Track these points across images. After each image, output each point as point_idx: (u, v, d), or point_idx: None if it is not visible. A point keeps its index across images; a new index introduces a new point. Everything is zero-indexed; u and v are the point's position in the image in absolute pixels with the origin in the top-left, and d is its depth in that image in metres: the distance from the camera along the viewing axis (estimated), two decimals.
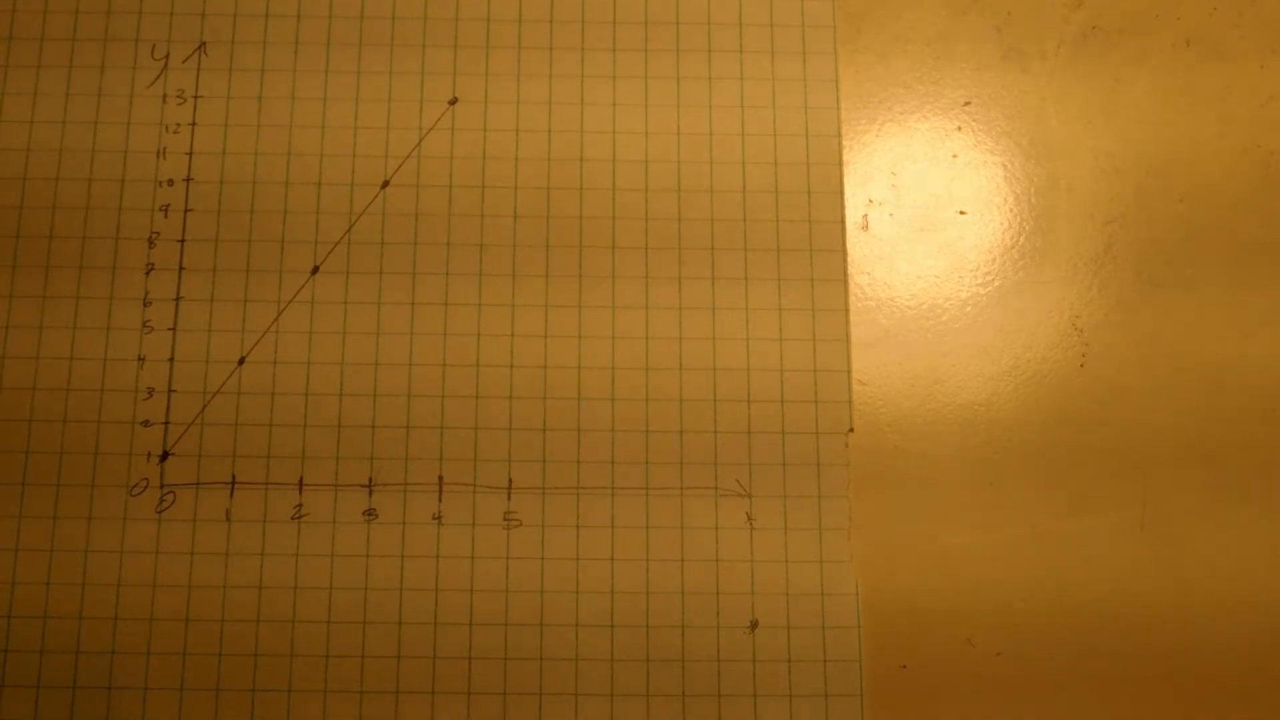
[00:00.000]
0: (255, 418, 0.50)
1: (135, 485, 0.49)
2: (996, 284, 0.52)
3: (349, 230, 0.52)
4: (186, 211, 0.52)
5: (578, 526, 0.49)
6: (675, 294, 0.51)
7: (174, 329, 0.51)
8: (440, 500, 0.49)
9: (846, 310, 0.51)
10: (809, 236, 0.52)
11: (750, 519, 0.49)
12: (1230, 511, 0.50)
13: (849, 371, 0.51)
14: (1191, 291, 0.52)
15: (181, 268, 0.51)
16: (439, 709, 0.47)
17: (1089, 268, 0.52)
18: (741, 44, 0.54)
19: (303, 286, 0.51)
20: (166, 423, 0.50)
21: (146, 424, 0.50)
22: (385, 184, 0.52)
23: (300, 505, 0.49)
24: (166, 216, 0.52)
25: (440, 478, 0.49)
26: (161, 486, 0.49)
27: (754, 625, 0.48)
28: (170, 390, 0.50)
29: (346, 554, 0.49)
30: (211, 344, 0.50)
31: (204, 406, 0.50)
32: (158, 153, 0.52)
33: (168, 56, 0.54)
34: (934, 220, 0.53)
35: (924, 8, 0.55)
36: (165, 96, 0.53)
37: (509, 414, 0.50)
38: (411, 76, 0.54)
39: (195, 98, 0.53)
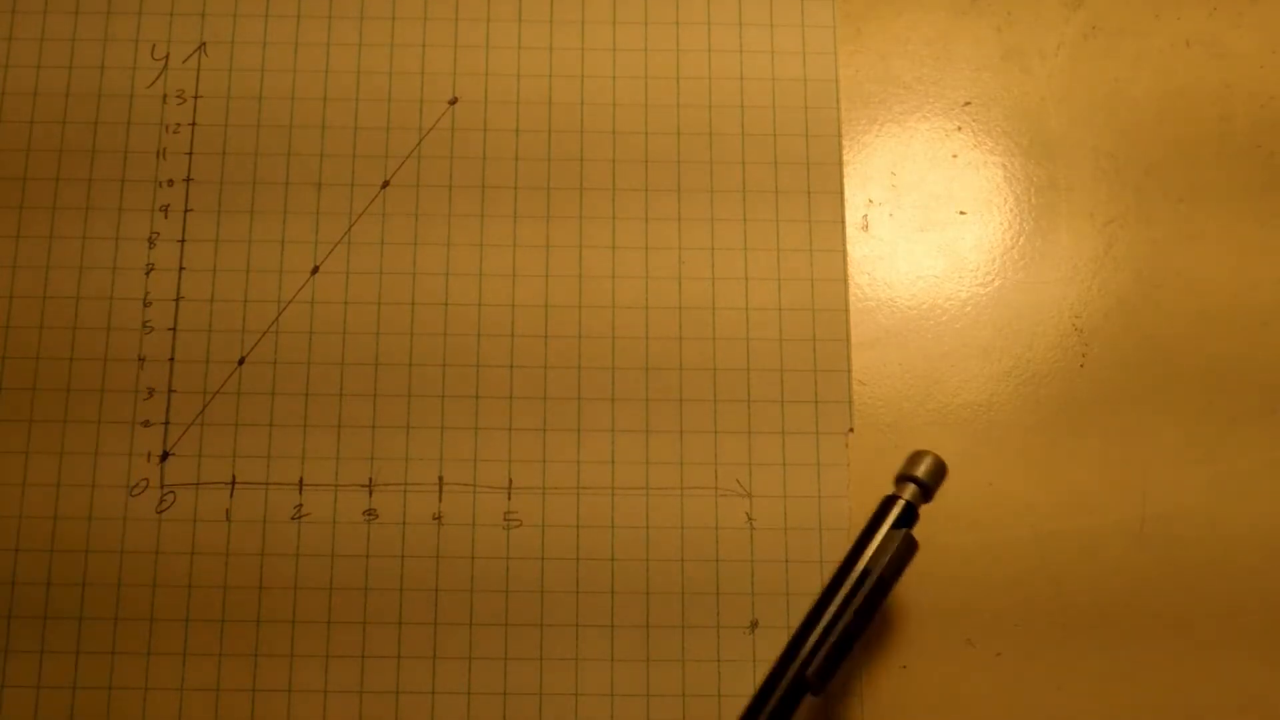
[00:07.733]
0: (255, 418, 0.50)
1: (135, 485, 0.49)
2: (996, 284, 0.52)
3: (349, 230, 0.52)
4: (186, 212, 0.52)
5: (578, 526, 0.49)
6: (675, 293, 0.51)
7: (174, 329, 0.51)
8: (440, 500, 0.49)
9: (846, 310, 0.51)
10: (809, 236, 0.52)
11: (750, 519, 0.49)
12: (1230, 512, 0.50)
13: (849, 371, 0.51)
14: (1191, 292, 0.52)
15: (181, 268, 0.51)
16: (439, 709, 0.47)
17: (1089, 268, 0.52)
18: (741, 44, 0.54)
19: (303, 286, 0.51)
20: (166, 423, 0.50)
21: (146, 424, 0.50)
22: (385, 184, 0.52)
23: (300, 505, 0.49)
24: (166, 217, 0.52)
25: (440, 478, 0.49)
26: (161, 486, 0.49)
27: (754, 625, 0.48)
28: (170, 390, 0.50)
29: (346, 554, 0.49)
30: (211, 344, 0.50)
31: (204, 406, 0.50)
32: (158, 153, 0.52)
33: (168, 56, 0.54)
34: (934, 220, 0.53)
35: (924, 8, 0.55)
36: (165, 96, 0.53)
37: (509, 414, 0.50)
38: (411, 76, 0.54)
39: (195, 98, 0.53)
